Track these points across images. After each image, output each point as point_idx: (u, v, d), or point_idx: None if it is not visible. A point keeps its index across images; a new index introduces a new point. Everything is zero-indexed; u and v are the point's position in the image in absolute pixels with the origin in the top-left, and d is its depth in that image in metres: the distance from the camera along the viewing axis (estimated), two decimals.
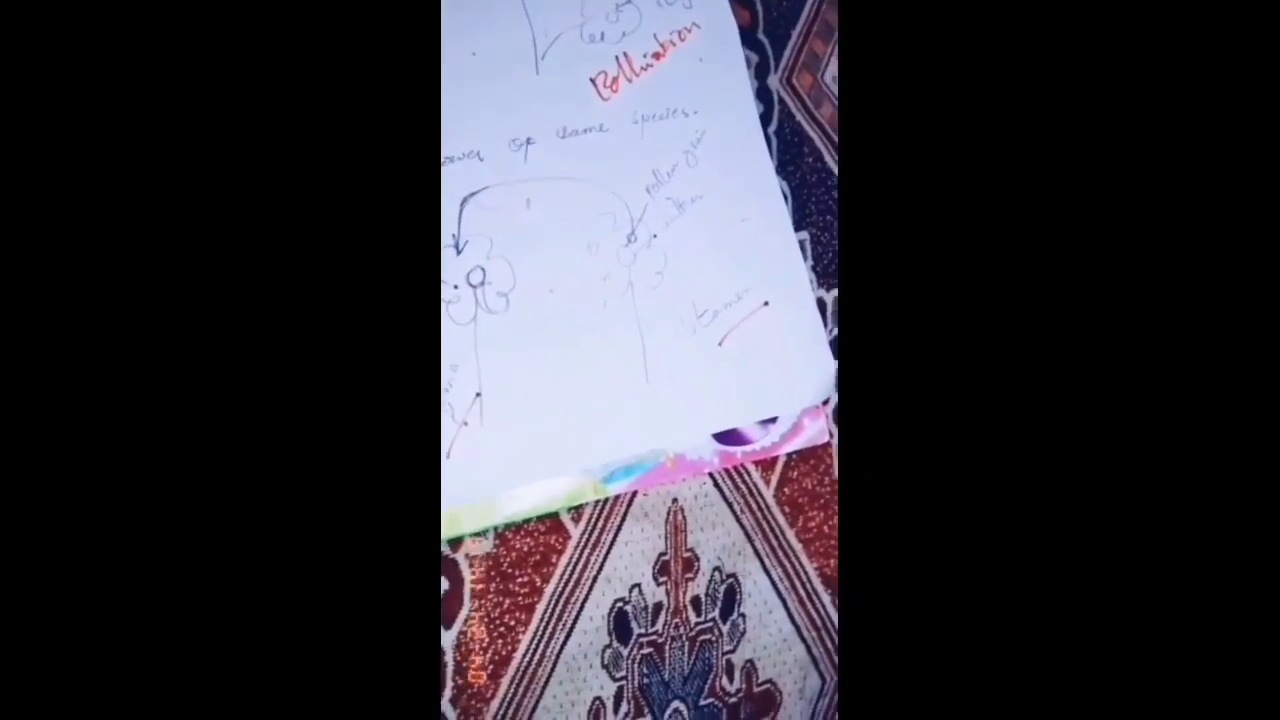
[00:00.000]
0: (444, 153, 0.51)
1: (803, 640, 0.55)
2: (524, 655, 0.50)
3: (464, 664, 0.48)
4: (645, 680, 0.52)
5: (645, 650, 0.52)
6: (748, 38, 0.58)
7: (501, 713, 0.49)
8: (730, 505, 0.54)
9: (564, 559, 0.51)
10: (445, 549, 0.49)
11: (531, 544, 0.50)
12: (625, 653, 0.52)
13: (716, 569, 0.53)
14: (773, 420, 0.54)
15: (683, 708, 0.52)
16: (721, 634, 0.53)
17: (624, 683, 0.51)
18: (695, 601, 0.53)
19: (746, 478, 0.54)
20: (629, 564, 0.52)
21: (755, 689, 0.54)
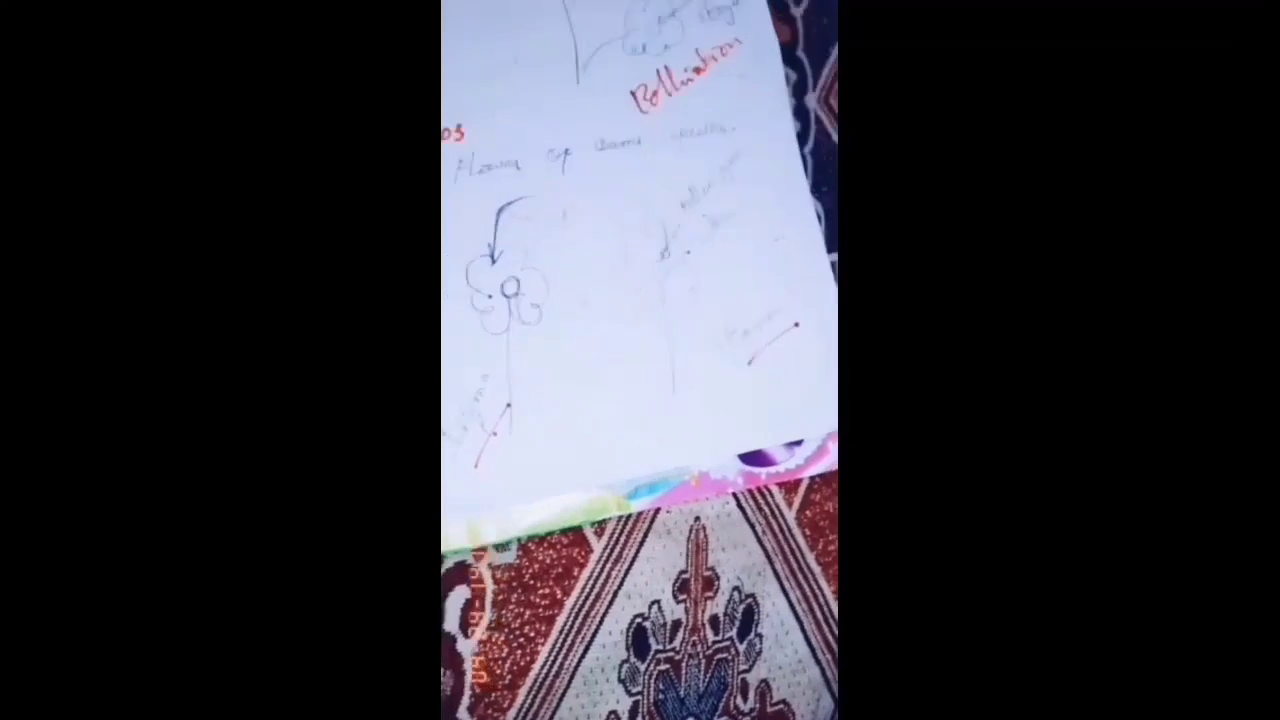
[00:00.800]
0: (482, 160, 0.51)
1: (818, 662, 0.55)
2: (542, 667, 0.50)
3: (481, 673, 0.49)
4: (661, 696, 0.52)
5: (662, 666, 0.52)
6: (787, 55, 0.58)
7: None
8: (752, 526, 0.54)
9: (586, 573, 0.51)
10: (468, 558, 0.49)
11: (554, 556, 0.50)
12: (642, 668, 0.52)
13: (736, 589, 0.54)
14: (798, 442, 0.54)
15: None
16: (738, 653, 0.54)
17: (640, 698, 0.52)
18: (714, 620, 0.53)
19: (769, 499, 0.54)
20: (650, 580, 0.52)
21: (769, 709, 0.54)
